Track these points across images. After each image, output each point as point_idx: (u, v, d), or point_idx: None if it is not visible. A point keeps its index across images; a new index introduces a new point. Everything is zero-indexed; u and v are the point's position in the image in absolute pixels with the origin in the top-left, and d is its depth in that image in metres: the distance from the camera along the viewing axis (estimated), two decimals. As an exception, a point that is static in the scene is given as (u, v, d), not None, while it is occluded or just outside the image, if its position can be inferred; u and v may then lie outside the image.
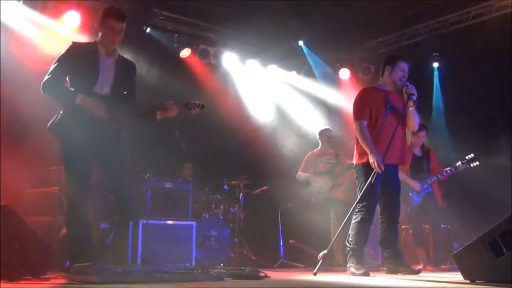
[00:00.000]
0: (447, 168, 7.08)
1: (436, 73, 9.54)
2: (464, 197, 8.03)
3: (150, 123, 4.87)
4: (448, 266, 6.81)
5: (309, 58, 9.58)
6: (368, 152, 5.36)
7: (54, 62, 4.53)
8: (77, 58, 4.52)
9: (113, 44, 4.63)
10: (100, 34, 4.63)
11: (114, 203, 4.70)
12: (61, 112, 4.48)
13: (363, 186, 5.32)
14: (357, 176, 5.58)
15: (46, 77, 4.46)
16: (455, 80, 8.90)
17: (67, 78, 4.52)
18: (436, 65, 9.54)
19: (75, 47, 4.60)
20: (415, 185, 7.04)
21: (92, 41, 4.78)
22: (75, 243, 4.48)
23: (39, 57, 6.83)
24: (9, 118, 6.69)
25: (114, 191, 4.70)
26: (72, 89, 4.48)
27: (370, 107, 5.50)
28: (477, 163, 6.97)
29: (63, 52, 4.57)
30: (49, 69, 4.49)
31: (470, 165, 7.00)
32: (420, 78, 8.89)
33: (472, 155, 7.00)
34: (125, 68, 4.75)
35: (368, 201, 5.38)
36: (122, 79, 4.67)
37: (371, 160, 5.29)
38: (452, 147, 7.82)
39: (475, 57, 8.03)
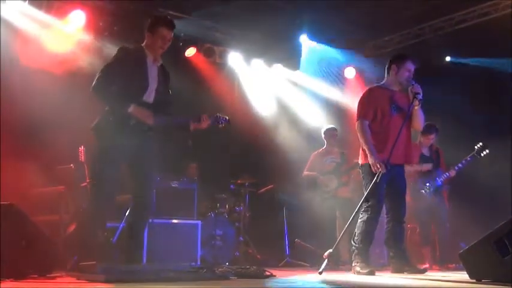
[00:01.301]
0: (459, 163, 7.04)
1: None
2: (470, 196, 8.00)
3: (182, 133, 4.96)
4: (454, 265, 6.79)
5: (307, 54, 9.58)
6: (367, 152, 5.36)
7: (104, 67, 4.58)
8: (126, 65, 4.58)
9: (162, 50, 4.75)
10: (148, 40, 4.72)
11: (133, 203, 4.72)
12: (108, 116, 4.53)
13: (369, 186, 5.32)
14: (363, 176, 5.57)
15: (95, 82, 4.50)
16: (460, 78, 8.86)
17: (115, 85, 4.56)
18: (448, 58, 9.44)
19: (124, 53, 4.65)
20: (427, 166, 7.03)
21: (138, 45, 4.81)
22: (88, 241, 4.52)
23: (45, 58, 6.86)
24: (16, 118, 6.71)
25: (136, 193, 4.72)
26: (123, 96, 4.53)
27: (375, 107, 5.49)
28: (487, 151, 6.91)
29: (112, 59, 4.63)
30: (98, 74, 4.54)
31: (480, 155, 6.95)
32: (431, 76, 8.89)
33: (481, 144, 6.93)
34: (165, 76, 4.85)
35: (374, 200, 5.37)
36: (162, 87, 4.77)
37: (370, 162, 5.29)
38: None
39: (481, 55, 8.01)
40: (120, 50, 4.68)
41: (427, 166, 7.06)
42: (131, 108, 4.49)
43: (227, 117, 4.98)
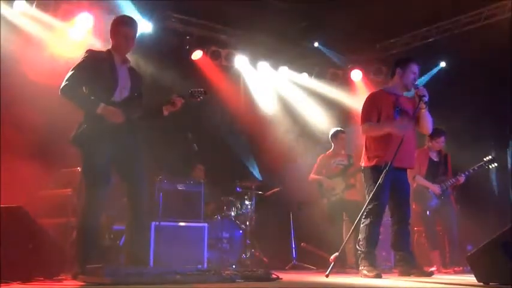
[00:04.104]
0: (466, 171, 7.03)
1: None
2: (478, 198, 7.97)
3: (158, 121, 4.90)
4: (461, 268, 6.77)
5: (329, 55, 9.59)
6: (390, 130, 5.34)
7: (72, 68, 4.58)
8: (95, 66, 4.59)
9: (127, 50, 4.77)
10: (113, 42, 4.75)
11: (127, 205, 4.72)
12: (84, 124, 4.54)
13: (372, 189, 5.30)
14: (365, 179, 5.56)
15: (64, 83, 4.52)
16: (466, 80, 8.84)
17: (84, 87, 4.59)
18: (443, 64, 9.44)
19: (92, 55, 4.67)
20: (435, 188, 7.01)
21: (105, 49, 4.83)
22: (85, 248, 4.50)
23: (54, 63, 6.87)
24: (23, 120, 6.72)
25: (129, 199, 4.72)
26: (92, 96, 4.54)
27: (378, 110, 5.49)
28: (495, 164, 6.92)
29: (81, 60, 4.63)
30: (67, 75, 4.55)
31: (488, 167, 6.95)
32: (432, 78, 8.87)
33: (490, 156, 6.95)
34: (136, 77, 4.85)
35: (377, 203, 5.36)
36: (134, 87, 4.77)
37: (394, 130, 5.27)
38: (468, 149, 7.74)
39: (488, 57, 7.97)
40: (87, 52, 4.69)
41: (435, 188, 7.02)
42: (100, 109, 4.46)
43: (202, 89, 4.91)
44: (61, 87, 4.51)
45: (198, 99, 4.90)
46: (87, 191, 4.55)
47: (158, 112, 4.77)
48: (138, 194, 4.68)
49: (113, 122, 4.49)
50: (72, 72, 4.55)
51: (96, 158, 4.49)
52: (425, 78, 9.36)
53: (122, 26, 4.72)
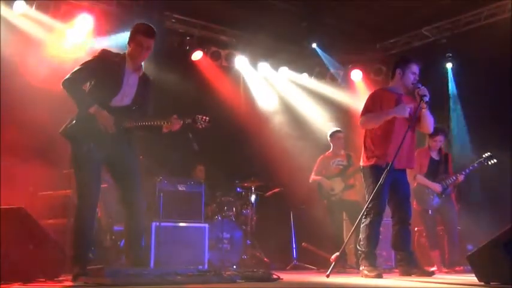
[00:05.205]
0: (466, 169, 7.04)
1: (450, 75, 9.45)
2: (478, 198, 7.97)
3: (155, 135, 4.88)
4: (462, 267, 6.76)
5: (324, 60, 9.59)
6: (391, 114, 5.37)
7: (81, 64, 4.59)
8: (104, 67, 4.57)
9: (141, 59, 4.73)
10: (129, 48, 4.71)
11: (124, 212, 4.70)
12: (73, 120, 4.53)
13: (371, 188, 5.30)
14: (364, 178, 5.56)
15: (68, 76, 4.52)
16: (467, 80, 8.84)
17: (88, 83, 4.59)
18: (449, 65, 9.47)
19: (103, 56, 4.65)
20: (435, 187, 7.01)
21: (122, 52, 4.80)
22: (78, 246, 4.48)
23: (54, 64, 6.88)
24: (24, 121, 6.73)
25: (123, 202, 4.70)
26: (90, 96, 4.53)
27: (380, 108, 5.48)
28: (495, 161, 6.93)
29: (91, 58, 4.63)
30: (74, 69, 4.56)
31: (488, 163, 6.96)
32: (432, 80, 8.84)
33: (489, 153, 6.96)
34: (146, 85, 4.81)
35: (376, 203, 5.35)
36: (140, 96, 4.74)
37: (398, 113, 5.30)
38: (471, 149, 7.75)
39: (488, 57, 7.96)
40: (101, 51, 4.68)
41: (435, 186, 7.03)
42: (93, 109, 4.45)
43: (207, 118, 4.87)
44: (64, 79, 4.51)
45: (200, 127, 4.86)
46: (78, 187, 4.53)
47: (158, 129, 4.74)
48: (133, 202, 4.63)
49: (102, 127, 4.48)
50: (78, 67, 4.56)
51: (84, 154, 4.47)
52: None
53: (139, 34, 4.65)
